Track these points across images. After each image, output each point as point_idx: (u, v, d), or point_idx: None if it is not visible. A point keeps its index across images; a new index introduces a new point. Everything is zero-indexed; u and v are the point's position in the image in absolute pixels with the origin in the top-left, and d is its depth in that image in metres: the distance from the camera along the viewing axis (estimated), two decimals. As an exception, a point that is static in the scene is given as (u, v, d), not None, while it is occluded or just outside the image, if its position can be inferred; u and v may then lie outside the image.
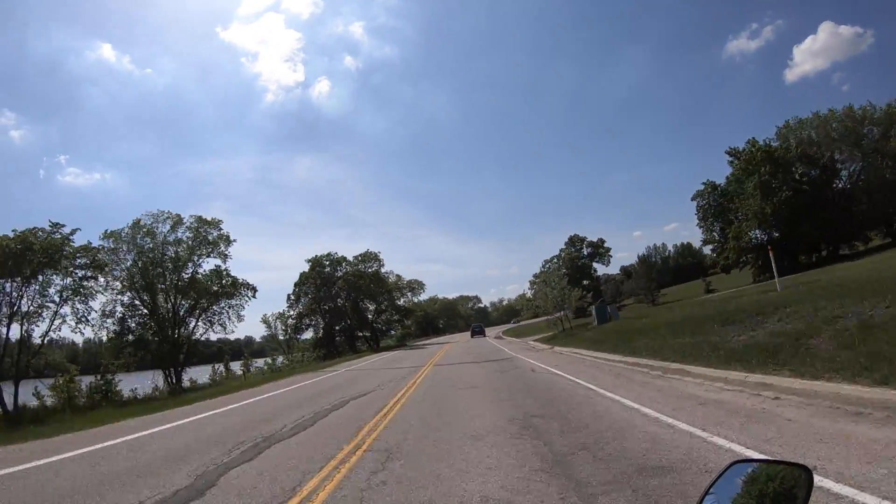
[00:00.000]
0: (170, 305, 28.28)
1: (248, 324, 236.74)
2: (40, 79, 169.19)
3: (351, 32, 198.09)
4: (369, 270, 60.89)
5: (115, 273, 27.24)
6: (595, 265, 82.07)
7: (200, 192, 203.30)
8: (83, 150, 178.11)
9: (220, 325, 30.79)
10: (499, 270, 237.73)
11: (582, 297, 36.90)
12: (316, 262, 57.42)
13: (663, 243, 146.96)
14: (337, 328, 57.40)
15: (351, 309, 58.50)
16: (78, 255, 23.07)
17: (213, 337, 33.12)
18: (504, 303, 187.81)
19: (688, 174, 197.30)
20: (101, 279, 25.73)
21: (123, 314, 27.51)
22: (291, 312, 57.22)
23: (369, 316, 63.89)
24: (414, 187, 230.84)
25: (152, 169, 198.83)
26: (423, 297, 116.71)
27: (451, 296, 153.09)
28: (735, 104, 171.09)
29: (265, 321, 60.80)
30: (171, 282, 27.89)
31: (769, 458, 4.17)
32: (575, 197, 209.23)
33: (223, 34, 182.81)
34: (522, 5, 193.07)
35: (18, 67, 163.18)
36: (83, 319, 23.57)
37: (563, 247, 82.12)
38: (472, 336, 67.34)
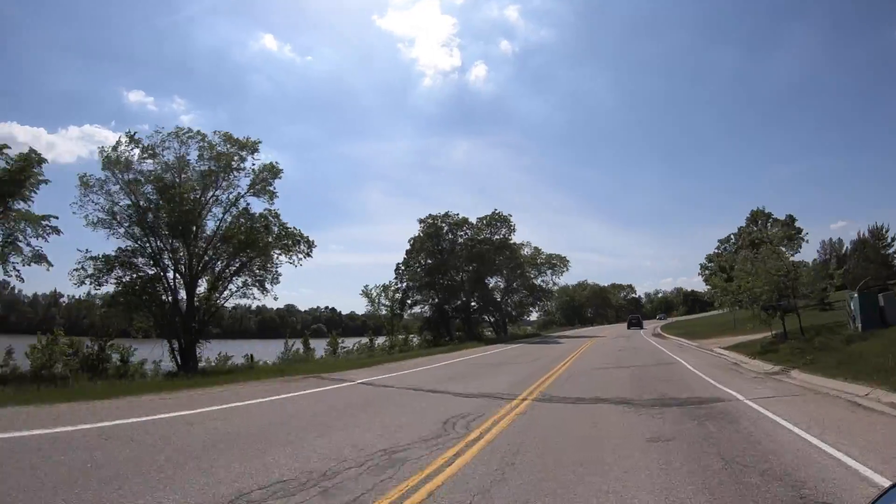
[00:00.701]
0: (183, 255, 20.32)
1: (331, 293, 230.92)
2: (208, 68, 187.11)
3: (506, 16, 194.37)
4: (495, 238, 49.64)
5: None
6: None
7: (360, 173, 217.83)
8: (250, 133, 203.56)
9: (260, 285, 22.37)
10: (653, 262, 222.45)
11: (829, 278, 21.27)
12: (430, 225, 48.03)
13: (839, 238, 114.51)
14: (451, 307, 47.35)
15: (471, 284, 48.02)
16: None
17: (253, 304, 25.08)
18: (660, 294, 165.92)
19: (855, 168, 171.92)
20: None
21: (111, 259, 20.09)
22: (400, 285, 48.68)
23: (497, 296, 52.96)
24: (569, 173, 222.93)
25: (315, 150, 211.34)
26: (570, 280, 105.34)
27: (603, 283, 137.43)
28: None
29: (366, 294, 52.73)
30: (173, 219, 19.57)
31: None
32: (734, 190, 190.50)
33: (379, 21, 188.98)
34: None
35: (187, 58, 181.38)
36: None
37: (743, 225, 62.05)
38: (628, 327, 61.94)
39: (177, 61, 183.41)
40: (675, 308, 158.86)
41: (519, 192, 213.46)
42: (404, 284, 48.20)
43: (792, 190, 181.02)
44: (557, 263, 61.39)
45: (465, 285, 47.80)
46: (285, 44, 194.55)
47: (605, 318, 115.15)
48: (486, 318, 53.57)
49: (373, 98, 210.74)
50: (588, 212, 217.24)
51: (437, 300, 46.72)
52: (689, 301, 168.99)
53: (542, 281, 61.02)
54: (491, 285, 51.68)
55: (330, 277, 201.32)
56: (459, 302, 47.93)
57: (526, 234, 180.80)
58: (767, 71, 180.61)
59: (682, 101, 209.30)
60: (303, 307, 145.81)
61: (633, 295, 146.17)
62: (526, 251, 58.32)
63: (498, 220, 49.37)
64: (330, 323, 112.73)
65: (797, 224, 58.78)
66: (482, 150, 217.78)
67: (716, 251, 63.44)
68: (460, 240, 48.70)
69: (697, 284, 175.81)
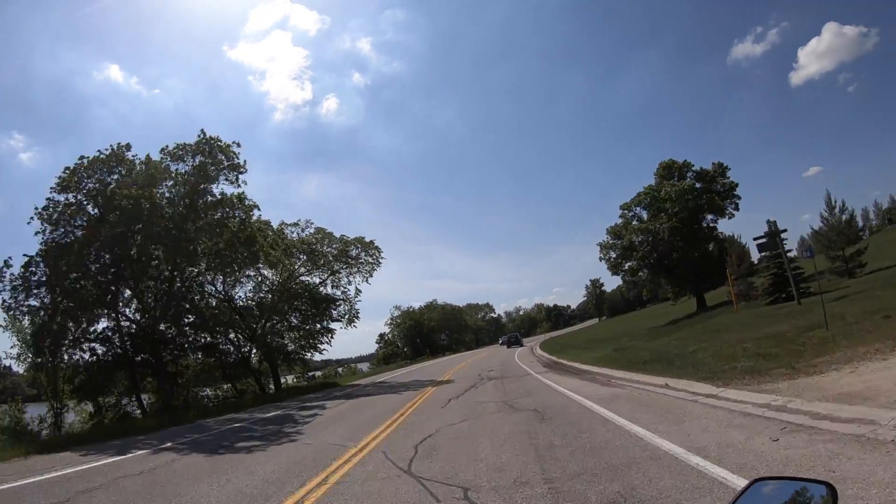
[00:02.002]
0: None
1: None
2: (48, 101, 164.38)
3: (359, 49, 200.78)
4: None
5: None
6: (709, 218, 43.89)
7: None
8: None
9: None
10: (510, 284, 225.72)
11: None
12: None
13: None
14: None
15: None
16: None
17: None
18: (521, 312, 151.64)
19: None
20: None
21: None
22: None
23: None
24: (424, 203, 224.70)
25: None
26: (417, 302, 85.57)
27: (457, 303, 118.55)
28: (743, 109, 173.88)
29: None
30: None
31: (792, 475, 3.28)
32: (588, 208, 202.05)
33: (230, 53, 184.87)
34: (531, 14, 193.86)
35: (26, 89, 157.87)
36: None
37: (654, 179, 44.59)
38: (508, 346, 53.83)
39: (15, 93, 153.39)
40: (537, 325, 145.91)
41: (373, 224, 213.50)
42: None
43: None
44: (370, 250, 36.03)
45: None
46: (132, 75, 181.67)
47: (462, 344, 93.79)
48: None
49: (223, 133, 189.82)
50: (443, 240, 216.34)
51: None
52: (552, 316, 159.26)
53: (349, 282, 36.07)
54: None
55: None
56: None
57: (384, 266, 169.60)
58: (616, 93, 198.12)
59: (535, 125, 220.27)
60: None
61: (493, 314, 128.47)
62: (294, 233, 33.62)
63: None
64: None
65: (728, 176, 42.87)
66: (335, 184, 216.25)
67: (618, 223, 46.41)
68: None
69: (559, 298, 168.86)
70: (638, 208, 45.94)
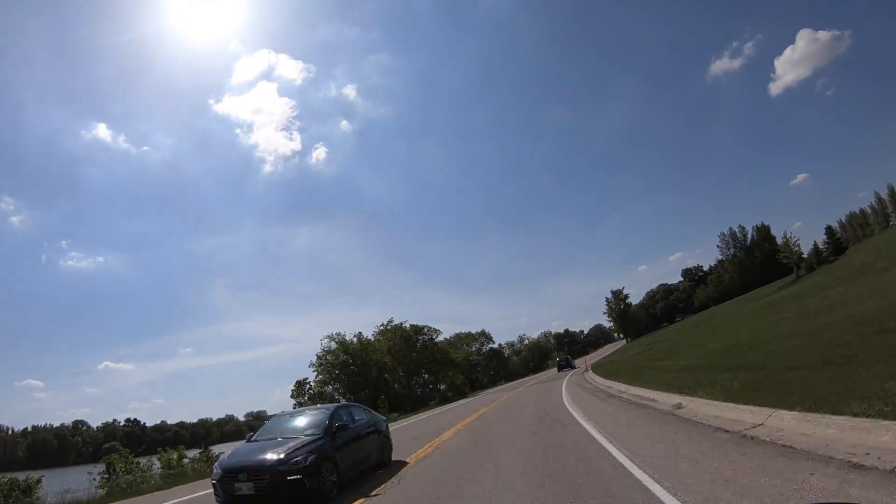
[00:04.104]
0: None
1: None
2: (38, 161, 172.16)
3: (345, 95, 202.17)
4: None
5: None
6: None
7: (205, 269, 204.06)
8: (84, 232, 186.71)
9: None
10: (508, 322, 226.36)
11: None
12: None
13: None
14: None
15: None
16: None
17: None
18: (525, 342, 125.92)
19: (688, 201, 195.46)
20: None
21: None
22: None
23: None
24: (416, 248, 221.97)
25: (155, 248, 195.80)
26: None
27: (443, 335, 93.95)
28: (726, 124, 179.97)
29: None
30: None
31: (845, 501, 3.48)
32: (575, 242, 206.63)
33: (217, 106, 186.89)
34: (507, 51, 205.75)
35: (15, 150, 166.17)
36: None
37: None
38: (559, 370, 54.47)
39: (3, 154, 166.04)
40: (548, 354, 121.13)
41: (366, 272, 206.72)
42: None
43: (632, 232, 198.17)
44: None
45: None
46: (119, 133, 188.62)
47: (451, 388, 67.21)
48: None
49: (213, 188, 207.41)
50: (435, 284, 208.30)
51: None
52: (563, 344, 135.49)
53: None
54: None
55: (184, 383, 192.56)
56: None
57: (374, 315, 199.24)
58: (598, 122, 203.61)
59: (518, 161, 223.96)
60: (147, 420, 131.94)
61: (492, 345, 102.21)
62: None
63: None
64: (130, 438, 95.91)
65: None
66: (326, 233, 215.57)
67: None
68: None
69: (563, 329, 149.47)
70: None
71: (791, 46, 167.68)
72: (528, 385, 42.17)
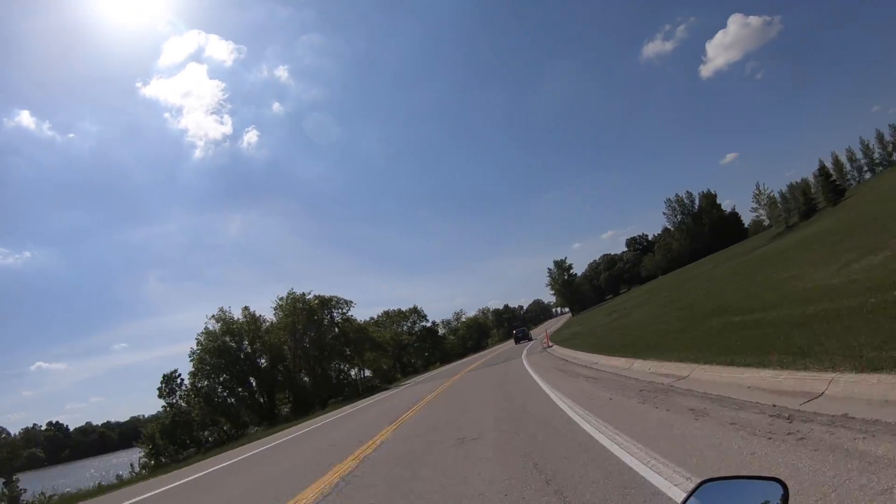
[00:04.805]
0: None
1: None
2: None
3: (277, 77, 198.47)
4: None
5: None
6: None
7: (138, 261, 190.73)
8: (9, 227, 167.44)
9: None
10: (444, 304, 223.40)
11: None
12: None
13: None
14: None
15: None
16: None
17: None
18: (463, 319, 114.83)
19: (619, 181, 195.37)
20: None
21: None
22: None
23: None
24: (354, 232, 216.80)
25: (85, 240, 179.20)
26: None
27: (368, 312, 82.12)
28: (658, 105, 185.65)
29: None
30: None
31: (741, 474, 2.93)
32: (514, 218, 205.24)
33: (144, 90, 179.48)
34: (444, 32, 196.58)
35: None
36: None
37: None
38: (516, 342, 52.18)
39: None
40: (488, 333, 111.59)
41: (303, 258, 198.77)
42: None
43: (566, 211, 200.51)
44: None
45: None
46: (44, 121, 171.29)
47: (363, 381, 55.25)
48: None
49: (142, 175, 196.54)
50: (372, 268, 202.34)
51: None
52: (503, 320, 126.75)
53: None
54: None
55: (122, 381, 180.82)
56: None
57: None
58: (533, 103, 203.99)
59: (454, 143, 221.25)
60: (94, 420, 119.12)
61: (425, 323, 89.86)
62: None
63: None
64: (53, 444, 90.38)
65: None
66: (261, 219, 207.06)
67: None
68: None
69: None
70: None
71: (723, 30, 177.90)
72: (471, 368, 30.64)
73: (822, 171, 72.89)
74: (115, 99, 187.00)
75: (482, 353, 69.52)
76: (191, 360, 40.55)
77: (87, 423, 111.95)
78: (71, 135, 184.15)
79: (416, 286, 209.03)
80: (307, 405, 40.86)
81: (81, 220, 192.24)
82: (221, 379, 41.92)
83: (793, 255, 24.79)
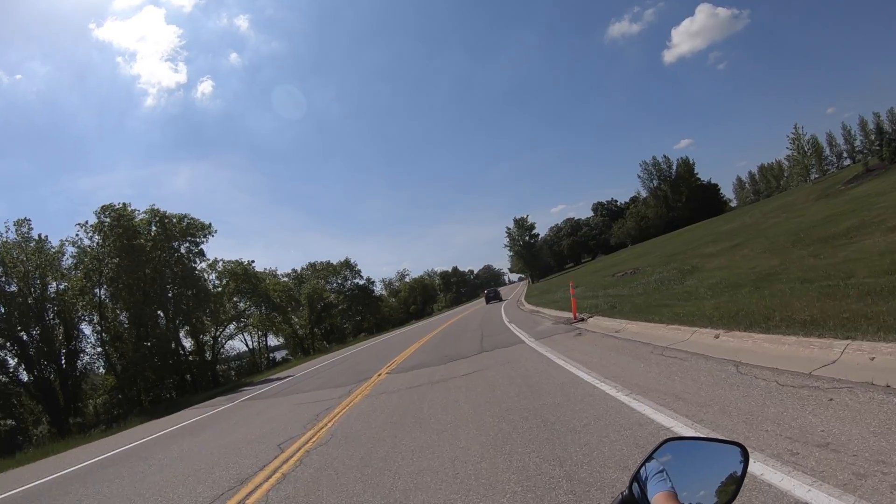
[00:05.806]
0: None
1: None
2: None
3: (237, 26, 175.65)
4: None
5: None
6: None
7: (82, 213, 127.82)
8: None
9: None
10: (391, 267, 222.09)
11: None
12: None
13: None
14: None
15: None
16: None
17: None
18: (406, 279, 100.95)
19: (571, 155, 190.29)
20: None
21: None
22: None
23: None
24: (303, 190, 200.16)
25: (29, 189, 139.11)
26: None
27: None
28: (618, 85, 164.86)
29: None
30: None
31: (703, 435, 3.25)
32: (463, 186, 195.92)
33: (98, 31, 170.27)
34: None
35: None
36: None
37: None
38: (487, 302, 48.98)
39: None
40: (434, 297, 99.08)
41: (251, 214, 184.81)
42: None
43: (518, 181, 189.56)
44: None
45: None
46: None
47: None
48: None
49: (91, 122, 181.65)
50: (320, 227, 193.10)
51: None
52: (451, 284, 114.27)
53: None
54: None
55: None
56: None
57: (259, 257, 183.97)
58: (492, 72, 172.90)
59: (410, 106, 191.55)
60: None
61: (359, 280, 74.93)
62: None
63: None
64: None
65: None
66: (210, 173, 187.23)
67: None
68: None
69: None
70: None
71: (690, 18, 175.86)
72: (419, 344, 17.24)
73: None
74: (66, 40, 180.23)
75: (428, 319, 56.67)
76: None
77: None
78: (18, 76, 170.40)
79: (363, 248, 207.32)
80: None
81: (27, 168, 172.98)
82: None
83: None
